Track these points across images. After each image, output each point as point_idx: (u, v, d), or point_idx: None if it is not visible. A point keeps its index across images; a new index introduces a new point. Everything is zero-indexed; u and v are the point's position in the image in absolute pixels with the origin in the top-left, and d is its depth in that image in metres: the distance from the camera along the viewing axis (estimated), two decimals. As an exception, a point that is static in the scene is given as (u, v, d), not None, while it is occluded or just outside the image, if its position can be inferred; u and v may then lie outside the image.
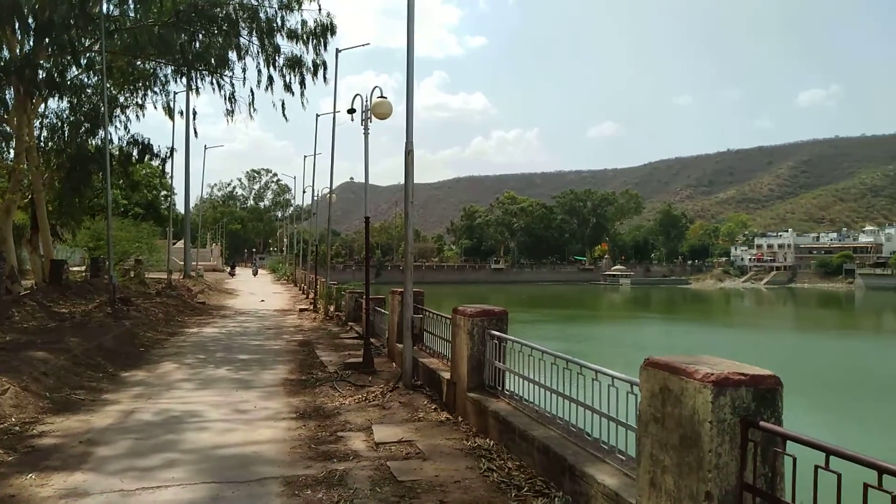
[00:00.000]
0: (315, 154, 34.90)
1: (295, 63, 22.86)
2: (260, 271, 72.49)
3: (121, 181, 28.53)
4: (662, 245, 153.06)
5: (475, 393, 7.34)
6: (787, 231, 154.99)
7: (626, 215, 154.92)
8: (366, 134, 11.77)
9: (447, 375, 8.29)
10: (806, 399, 21.39)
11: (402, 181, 9.74)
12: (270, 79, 22.98)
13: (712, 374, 3.34)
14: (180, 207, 52.89)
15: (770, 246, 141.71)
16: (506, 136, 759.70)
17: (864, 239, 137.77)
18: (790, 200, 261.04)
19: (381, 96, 11.14)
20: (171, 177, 32.94)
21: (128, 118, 24.51)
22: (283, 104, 23.69)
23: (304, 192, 47.36)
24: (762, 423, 3.26)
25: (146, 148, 24.47)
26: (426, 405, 8.36)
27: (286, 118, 24.23)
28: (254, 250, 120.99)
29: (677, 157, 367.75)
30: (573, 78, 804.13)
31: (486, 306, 7.77)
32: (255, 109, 24.12)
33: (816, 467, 2.87)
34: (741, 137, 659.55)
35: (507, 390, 7.05)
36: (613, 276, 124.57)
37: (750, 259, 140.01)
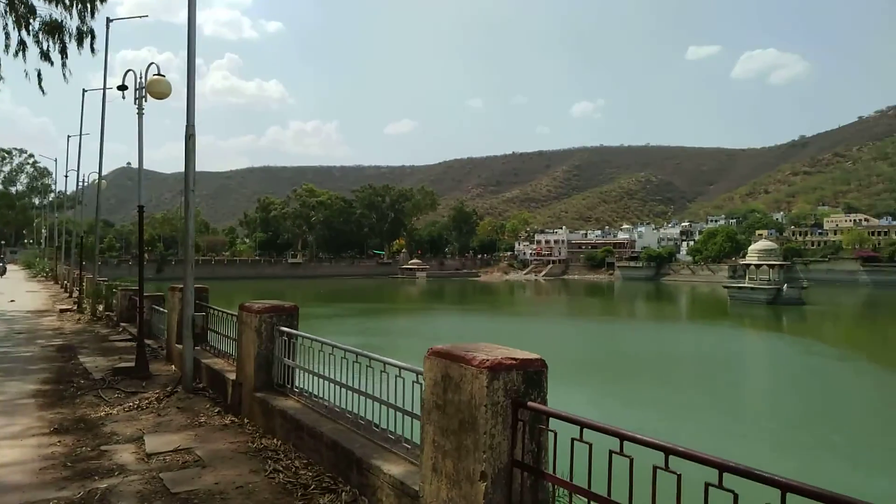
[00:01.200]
0: (81, 134, 30.56)
1: (55, 28, 19.84)
2: (10, 267, 62.16)
3: None
4: (455, 240, 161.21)
5: (263, 392, 7.02)
6: (561, 228, 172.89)
7: (423, 211, 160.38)
8: (140, 114, 10.60)
9: (233, 376, 7.83)
10: (571, 377, 24.01)
11: (184, 167, 8.97)
12: (23, 44, 19.69)
13: (487, 360, 3.53)
14: None
15: (548, 241, 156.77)
16: (304, 127, 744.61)
17: (621, 236, 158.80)
18: (564, 200, 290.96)
19: (159, 74, 10.12)
20: None
21: None
22: (39, 74, 20.44)
23: (66, 176, 41.28)
24: (530, 404, 3.52)
25: None
26: (208, 409, 7.80)
27: (43, 91, 20.94)
28: (2, 242, 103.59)
29: (469, 157, 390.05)
30: (373, 73, 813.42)
31: (276, 302, 7.48)
32: (1, 78, 20.55)
33: (573, 440, 3.17)
34: (525, 141, 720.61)
35: (297, 388, 6.85)
36: (410, 269, 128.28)
37: (531, 253, 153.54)
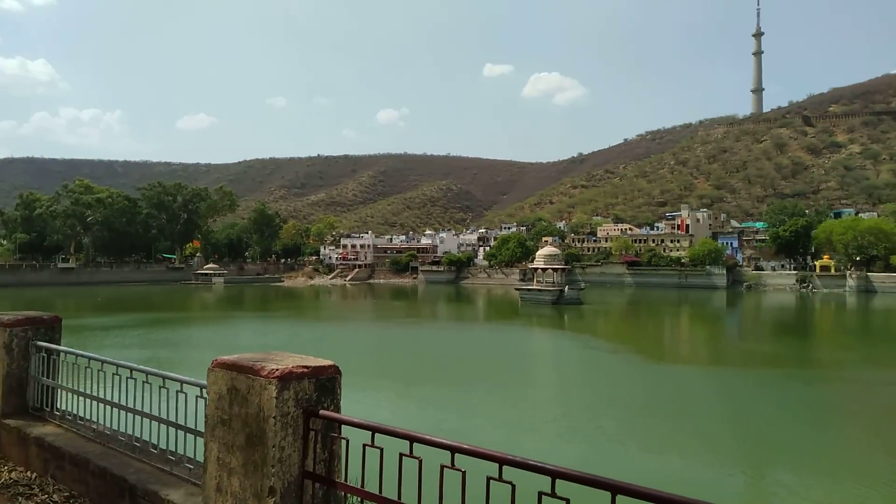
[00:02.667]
0: None
1: None
2: None
3: None
4: (257, 243, 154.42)
5: (14, 419, 6.03)
6: (367, 233, 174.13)
7: (220, 212, 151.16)
8: None
9: (-26, 402, 6.61)
10: (371, 382, 24.21)
11: None
12: None
13: (277, 370, 3.37)
14: None
15: (354, 246, 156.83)
16: (79, 116, 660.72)
17: (424, 241, 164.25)
18: (370, 205, 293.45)
19: None
20: None
21: None
22: None
23: None
24: (322, 412, 3.42)
25: None
26: (-60, 443, 6.50)
27: None
28: None
29: (272, 158, 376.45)
30: (162, 61, 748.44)
31: (33, 313, 6.50)
32: None
33: (364, 445, 3.14)
34: (331, 145, 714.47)
35: (59, 411, 6.01)
36: (206, 274, 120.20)
37: (337, 258, 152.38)
